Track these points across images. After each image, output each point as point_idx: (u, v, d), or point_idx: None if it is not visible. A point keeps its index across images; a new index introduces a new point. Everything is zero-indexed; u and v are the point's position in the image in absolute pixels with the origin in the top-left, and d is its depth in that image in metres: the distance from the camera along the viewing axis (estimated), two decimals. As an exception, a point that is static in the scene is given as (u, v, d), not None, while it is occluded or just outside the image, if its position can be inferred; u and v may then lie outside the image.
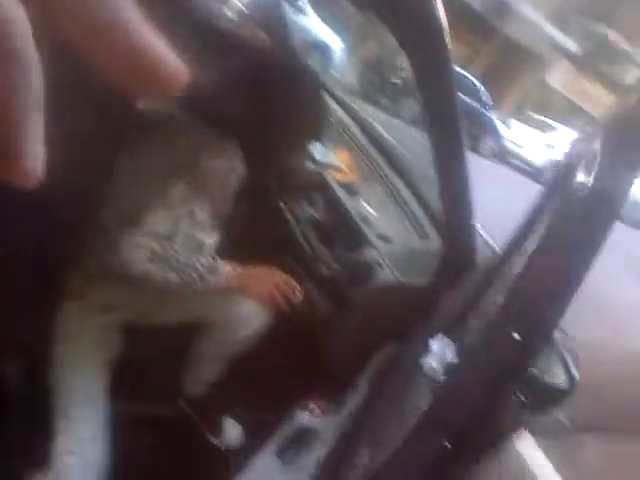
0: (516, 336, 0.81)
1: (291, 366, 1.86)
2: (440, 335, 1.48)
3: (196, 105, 1.47)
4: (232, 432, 1.87)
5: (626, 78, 20.63)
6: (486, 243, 2.00)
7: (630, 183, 0.80)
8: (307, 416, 1.58)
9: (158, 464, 1.59)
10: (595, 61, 20.10)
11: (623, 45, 19.86)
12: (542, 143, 15.01)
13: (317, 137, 1.94)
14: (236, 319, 1.66)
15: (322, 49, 10.60)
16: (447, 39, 1.14)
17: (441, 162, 1.45)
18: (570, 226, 0.81)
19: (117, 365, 1.57)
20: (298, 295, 1.64)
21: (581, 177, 0.89)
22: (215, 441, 1.84)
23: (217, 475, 1.55)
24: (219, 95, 1.45)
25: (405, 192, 2.33)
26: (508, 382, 1.56)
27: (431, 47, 1.16)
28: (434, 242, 2.07)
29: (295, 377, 1.82)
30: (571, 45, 19.41)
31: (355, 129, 2.74)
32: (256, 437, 1.62)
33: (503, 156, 14.33)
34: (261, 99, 1.48)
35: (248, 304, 1.65)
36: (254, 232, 1.95)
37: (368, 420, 1.28)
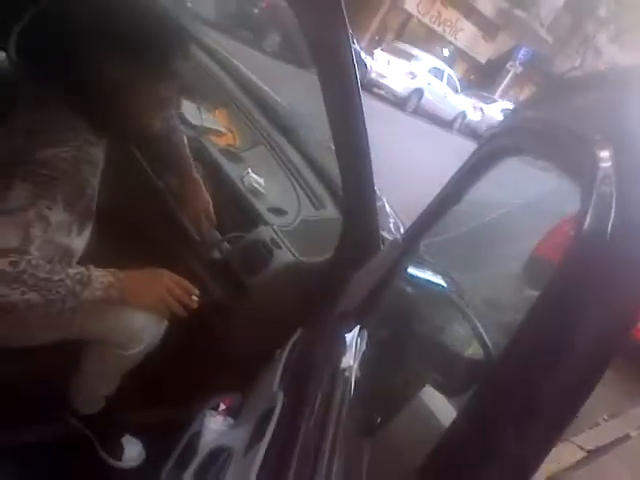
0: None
1: (191, 362, 1.69)
2: (352, 326, 1.38)
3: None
4: (132, 450, 1.67)
5: (478, 3, 21.30)
6: (384, 209, 1.91)
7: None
8: (215, 418, 1.43)
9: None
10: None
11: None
12: (405, 71, 15.29)
13: (184, 93, 1.70)
14: (127, 336, 1.41)
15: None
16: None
17: (336, 118, 1.31)
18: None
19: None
20: (194, 298, 1.40)
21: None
22: (114, 462, 1.64)
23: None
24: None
25: (292, 153, 2.16)
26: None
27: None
28: (330, 211, 1.95)
29: (197, 374, 1.66)
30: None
31: (227, 79, 2.51)
32: (159, 453, 1.46)
33: (369, 87, 14.43)
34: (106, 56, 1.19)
35: (139, 316, 1.40)
36: (132, 219, 1.71)
37: (288, 432, 1.15)
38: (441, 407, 2.16)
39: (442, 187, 1.43)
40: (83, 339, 1.43)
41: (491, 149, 1.20)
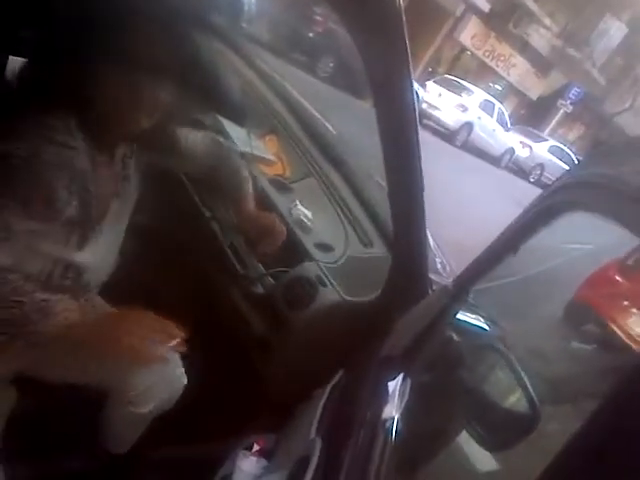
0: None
1: (226, 398, 1.66)
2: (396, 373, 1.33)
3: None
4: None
5: (532, 39, 21.18)
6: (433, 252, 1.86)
7: None
8: (248, 458, 1.39)
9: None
10: (504, 20, 20.44)
11: (531, 5, 20.27)
12: (456, 104, 15.22)
13: (230, 115, 1.67)
14: (136, 392, 1.36)
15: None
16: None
17: (392, 155, 1.27)
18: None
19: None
20: (180, 343, 1.22)
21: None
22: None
23: None
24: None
25: (341, 186, 2.12)
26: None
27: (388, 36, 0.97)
28: (378, 249, 1.90)
29: (232, 411, 1.63)
30: (481, 2, 19.58)
31: (278, 104, 2.49)
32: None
33: (419, 118, 14.38)
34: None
35: (148, 373, 1.34)
36: (171, 245, 1.70)
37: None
38: (476, 452, 2.08)
39: (498, 235, 1.38)
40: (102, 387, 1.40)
41: (553, 202, 1.15)
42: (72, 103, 1.14)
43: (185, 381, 1.46)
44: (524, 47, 21.59)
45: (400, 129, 1.21)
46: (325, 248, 1.84)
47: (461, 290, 1.47)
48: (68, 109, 1.14)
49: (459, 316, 1.57)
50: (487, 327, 1.66)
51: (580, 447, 0.62)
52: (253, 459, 1.35)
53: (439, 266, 1.92)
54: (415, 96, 1.16)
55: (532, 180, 17.81)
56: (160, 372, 1.37)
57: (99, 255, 1.29)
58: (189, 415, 1.55)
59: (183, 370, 1.46)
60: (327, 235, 1.89)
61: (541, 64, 22.57)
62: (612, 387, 0.62)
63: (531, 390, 1.37)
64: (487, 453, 2.19)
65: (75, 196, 1.16)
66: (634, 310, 5.48)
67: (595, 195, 1.00)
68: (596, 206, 1.02)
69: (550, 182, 1.38)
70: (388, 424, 1.20)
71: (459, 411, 1.59)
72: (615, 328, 5.10)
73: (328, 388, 1.44)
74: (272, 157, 2.21)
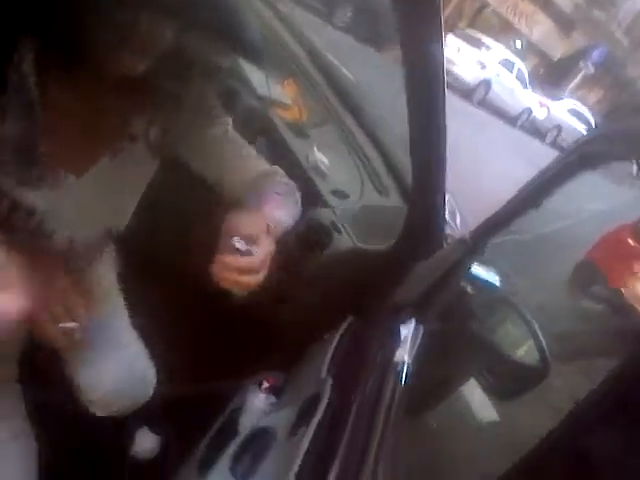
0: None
1: (238, 334, 1.68)
2: (409, 320, 1.34)
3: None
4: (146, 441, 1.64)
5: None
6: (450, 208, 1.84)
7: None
8: (258, 395, 1.42)
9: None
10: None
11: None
12: (475, 60, 14.91)
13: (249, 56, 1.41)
14: (93, 397, 1.32)
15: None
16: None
17: (416, 107, 1.24)
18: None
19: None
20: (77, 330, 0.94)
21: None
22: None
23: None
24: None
25: (359, 134, 2.10)
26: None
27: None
28: (394, 199, 1.89)
29: (243, 347, 1.65)
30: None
31: (298, 50, 2.44)
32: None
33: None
34: None
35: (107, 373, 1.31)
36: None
37: (336, 421, 1.13)
38: (478, 403, 2.11)
39: (520, 188, 1.37)
40: None
41: (581, 155, 1.14)
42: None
43: (154, 380, 1.41)
44: (548, 5, 20.97)
45: (427, 82, 1.18)
46: (341, 195, 1.83)
47: (478, 243, 1.47)
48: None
49: (473, 269, 1.58)
50: (500, 281, 1.67)
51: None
52: (262, 396, 1.38)
53: (448, 215, 1.90)
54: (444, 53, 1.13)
55: (548, 142, 17.60)
56: (118, 374, 1.33)
57: (70, 205, 1.10)
58: (200, 353, 1.57)
59: (150, 366, 1.41)
60: (343, 182, 1.88)
61: (564, 23, 21.98)
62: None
63: (543, 342, 1.38)
64: (489, 404, 2.22)
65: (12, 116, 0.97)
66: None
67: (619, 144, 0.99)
68: (620, 154, 1.01)
69: (566, 145, 1.36)
70: (399, 367, 1.22)
71: (468, 361, 1.61)
72: (624, 290, 5.11)
73: (339, 332, 1.46)
74: (290, 101, 2.18)
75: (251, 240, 0.96)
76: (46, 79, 0.97)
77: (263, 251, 0.99)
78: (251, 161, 1.25)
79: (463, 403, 2.26)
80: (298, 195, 1.24)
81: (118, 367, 1.33)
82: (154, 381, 1.42)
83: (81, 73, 0.98)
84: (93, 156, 1.10)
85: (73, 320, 0.93)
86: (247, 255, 0.95)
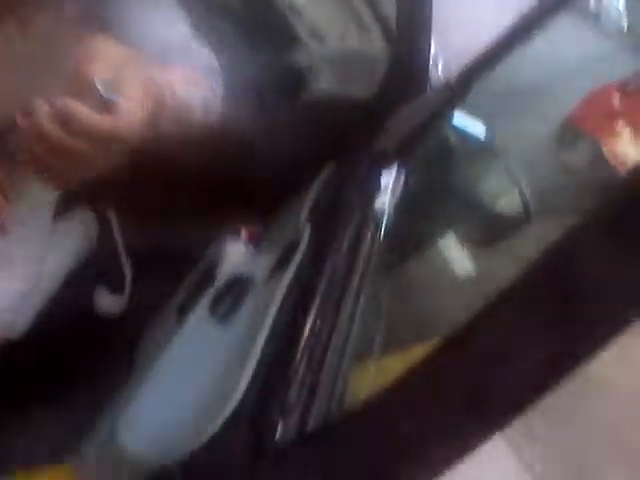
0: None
1: (215, 186, 1.63)
2: (390, 166, 1.30)
3: None
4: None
5: None
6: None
7: None
8: (236, 245, 1.40)
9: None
10: None
11: None
12: None
13: None
14: None
15: None
16: None
17: None
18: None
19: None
20: None
21: None
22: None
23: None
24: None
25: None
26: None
27: None
28: (376, 41, 1.77)
29: (221, 199, 1.61)
30: None
31: None
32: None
33: None
34: None
35: None
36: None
37: (315, 265, 1.12)
38: (456, 257, 2.15)
39: (508, 26, 1.28)
40: None
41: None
42: None
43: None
44: None
45: None
46: (318, 37, 1.70)
47: (463, 87, 1.40)
48: None
49: (458, 120, 1.53)
50: (485, 133, 1.63)
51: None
52: (241, 245, 1.36)
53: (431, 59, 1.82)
54: None
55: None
56: None
57: None
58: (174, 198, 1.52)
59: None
60: (322, 23, 1.75)
61: None
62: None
63: (526, 190, 1.37)
64: (466, 259, 2.26)
65: None
66: (626, 134, 5.47)
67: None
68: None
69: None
70: (379, 214, 1.20)
71: (449, 212, 1.61)
72: (605, 149, 5.12)
73: (318, 181, 1.42)
74: None
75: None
76: None
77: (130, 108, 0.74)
78: None
79: (441, 258, 2.30)
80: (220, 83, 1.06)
81: None
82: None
83: None
84: None
85: None
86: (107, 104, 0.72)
